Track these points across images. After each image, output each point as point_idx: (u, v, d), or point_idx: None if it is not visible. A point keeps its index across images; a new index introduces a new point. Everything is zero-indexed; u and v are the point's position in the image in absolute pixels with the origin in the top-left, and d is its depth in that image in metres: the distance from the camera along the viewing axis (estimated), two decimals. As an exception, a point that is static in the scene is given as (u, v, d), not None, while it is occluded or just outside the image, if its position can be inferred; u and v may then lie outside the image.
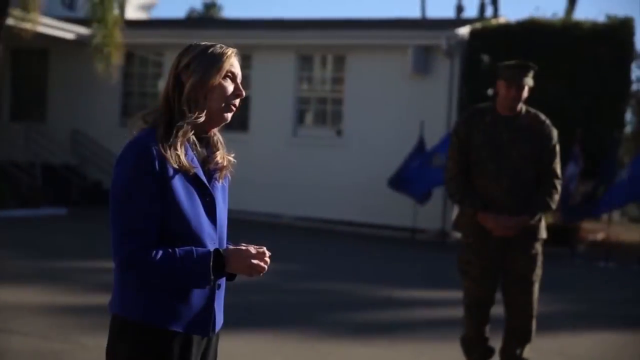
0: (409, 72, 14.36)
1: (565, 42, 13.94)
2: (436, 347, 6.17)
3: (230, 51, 2.32)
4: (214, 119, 2.30)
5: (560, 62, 13.75)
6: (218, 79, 2.27)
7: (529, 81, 4.49)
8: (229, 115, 2.32)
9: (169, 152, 2.19)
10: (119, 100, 16.87)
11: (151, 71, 16.94)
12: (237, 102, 2.33)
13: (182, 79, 2.28)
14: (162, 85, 16.52)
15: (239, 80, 2.34)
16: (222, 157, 2.35)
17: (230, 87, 2.31)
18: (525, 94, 4.52)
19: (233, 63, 2.32)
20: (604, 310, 8.45)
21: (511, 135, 4.54)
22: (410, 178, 13.21)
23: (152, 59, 16.93)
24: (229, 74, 2.31)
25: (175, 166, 2.19)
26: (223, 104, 2.30)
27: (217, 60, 2.28)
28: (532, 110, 4.65)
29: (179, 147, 2.21)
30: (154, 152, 2.18)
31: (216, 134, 2.37)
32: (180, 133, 2.23)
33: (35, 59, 17.43)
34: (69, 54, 16.55)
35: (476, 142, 4.56)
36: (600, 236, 15.24)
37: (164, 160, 2.18)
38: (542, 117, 4.63)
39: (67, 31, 15.96)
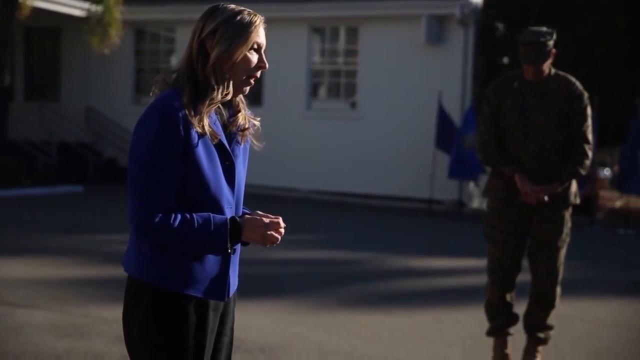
0: (423, 42, 14.23)
1: (582, 9, 13.76)
2: (455, 315, 6.14)
3: (259, 20, 2.23)
4: (234, 90, 2.25)
5: (576, 29, 13.57)
6: (244, 52, 2.20)
7: (545, 55, 4.38)
8: (248, 87, 2.27)
9: (194, 118, 2.14)
10: (132, 77, 16.85)
11: (163, 47, 16.88)
12: (258, 74, 2.27)
13: (206, 46, 2.19)
14: (175, 61, 16.47)
15: (263, 51, 2.26)
16: (244, 118, 2.30)
17: (254, 59, 2.23)
18: (545, 66, 4.43)
19: (260, 33, 2.23)
20: (623, 275, 8.40)
21: (538, 100, 4.48)
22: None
23: (164, 35, 16.87)
24: (255, 45, 2.23)
25: (200, 131, 2.15)
26: (245, 76, 2.24)
27: (245, 30, 2.19)
28: (562, 73, 4.56)
29: (204, 116, 2.16)
30: (179, 112, 2.13)
31: (240, 100, 2.31)
32: (211, 107, 2.18)
33: (47, 37, 17.40)
34: (81, 32, 16.48)
35: (505, 108, 4.52)
36: (618, 204, 15.14)
37: (187, 122, 2.14)
38: (572, 79, 4.54)
39: (79, 9, 15.91)
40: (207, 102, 2.18)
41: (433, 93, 13.76)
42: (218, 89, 2.19)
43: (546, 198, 4.41)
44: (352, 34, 15.34)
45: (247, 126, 2.30)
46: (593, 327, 5.99)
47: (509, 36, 13.41)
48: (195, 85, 2.19)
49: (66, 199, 13.12)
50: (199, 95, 2.18)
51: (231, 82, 2.22)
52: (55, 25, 16.79)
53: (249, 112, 2.33)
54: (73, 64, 17.05)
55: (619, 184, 13.16)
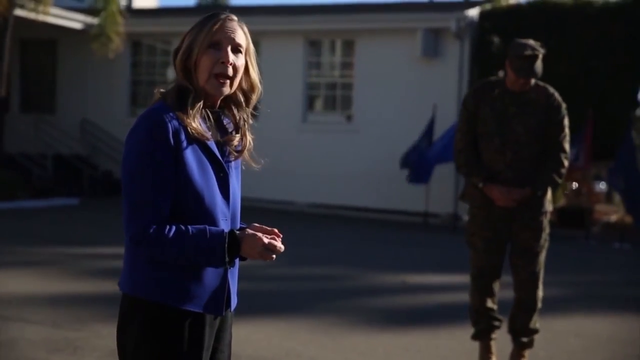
0: (419, 56, 14.25)
1: (577, 22, 13.79)
2: (452, 331, 6.12)
3: (224, 16, 2.22)
4: (208, 92, 2.21)
5: (571, 42, 13.61)
6: (201, 49, 2.18)
7: (538, 69, 4.50)
8: (219, 87, 2.20)
9: (182, 117, 2.14)
10: (128, 90, 16.84)
11: (159, 60, 16.89)
12: (225, 71, 2.20)
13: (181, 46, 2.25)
14: (171, 73, 16.48)
15: (229, 47, 2.20)
16: (241, 141, 2.28)
17: (213, 56, 2.19)
18: (533, 80, 4.54)
19: (224, 29, 2.20)
20: (619, 290, 8.37)
21: (518, 109, 4.58)
22: (414, 164, 13.19)
23: (160, 47, 16.88)
24: (216, 43, 2.19)
25: (190, 131, 2.13)
26: (208, 75, 2.20)
27: (203, 28, 2.20)
28: (542, 83, 4.68)
29: (190, 113, 2.16)
30: (168, 123, 2.13)
31: (242, 117, 2.29)
32: (193, 110, 2.17)
33: (43, 49, 17.40)
34: (77, 44, 16.50)
35: (483, 114, 4.62)
36: (614, 217, 15.14)
37: (177, 132, 2.13)
38: (551, 90, 4.67)
39: (75, 21, 15.94)
40: (189, 106, 2.17)
41: (429, 106, 13.76)
42: (193, 92, 2.20)
43: (517, 199, 4.47)
44: (348, 46, 15.36)
45: (241, 149, 2.29)
46: (588, 342, 5.97)
47: (504, 49, 13.41)
48: (179, 91, 2.20)
49: (62, 211, 13.08)
50: (183, 101, 2.18)
51: (203, 85, 2.20)
52: (51, 37, 16.80)
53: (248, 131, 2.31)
54: (69, 76, 17.04)
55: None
